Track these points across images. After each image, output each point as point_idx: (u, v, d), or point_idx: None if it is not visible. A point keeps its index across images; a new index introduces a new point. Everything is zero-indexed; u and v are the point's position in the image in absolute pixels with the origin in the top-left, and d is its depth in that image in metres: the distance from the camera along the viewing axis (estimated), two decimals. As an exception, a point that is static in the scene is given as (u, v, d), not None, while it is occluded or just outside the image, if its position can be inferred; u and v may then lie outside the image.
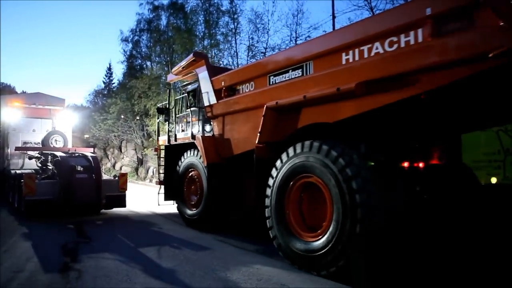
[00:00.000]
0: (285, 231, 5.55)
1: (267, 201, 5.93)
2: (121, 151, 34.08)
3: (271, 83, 6.47)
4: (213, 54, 23.90)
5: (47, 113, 14.42)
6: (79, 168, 9.40)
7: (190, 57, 8.66)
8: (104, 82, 47.36)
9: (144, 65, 30.44)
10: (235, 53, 22.68)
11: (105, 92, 43.42)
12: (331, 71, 5.26)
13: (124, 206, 10.28)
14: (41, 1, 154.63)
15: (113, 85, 44.24)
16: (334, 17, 17.13)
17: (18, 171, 10.40)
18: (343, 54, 5.09)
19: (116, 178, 10.36)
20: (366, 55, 4.81)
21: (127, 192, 10.26)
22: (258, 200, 6.18)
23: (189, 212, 8.56)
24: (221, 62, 23.41)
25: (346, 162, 4.75)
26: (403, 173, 5.44)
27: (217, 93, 7.87)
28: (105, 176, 11.08)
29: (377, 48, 4.70)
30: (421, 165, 5.65)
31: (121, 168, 31.06)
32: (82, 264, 5.37)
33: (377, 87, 4.60)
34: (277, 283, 4.68)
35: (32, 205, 8.82)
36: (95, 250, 6.23)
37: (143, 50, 30.06)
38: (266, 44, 20.84)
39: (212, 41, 23.99)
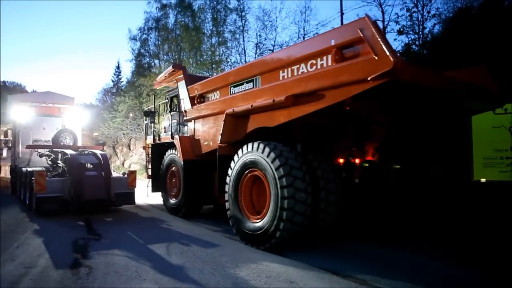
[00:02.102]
0: (239, 215, 6.74)
1: (226, 190, 7.04)
2: (130, 149, 34.32)
3: (231, 93, 7.65)
4: (221, 52, 23.91)
5: (57, 112, 14.59)
6: (88, 165, 9.49)
7: (170, 68, 10.17)
8: (113, 81, 47.86)
9: (152, 63, 30.62)
10: (243, 51, 22.68)
11: (114, 91, 43.81)
12: (271, 85, 6.42)
13: (133, 203, 10.36)
14: (51, 1, 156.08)
15: (122, 83, 44.66)
16: (342, 14, 17.07)
17: (29, 169, 10.49)
18: (280, 72, 6.23)
19: (125, 176, 10.43)
20: (295, 74, 5.96)
21: (136, 189, 10.36)
22: (221, 190, 7.30)
23: (171, 201, 9.90)
24: (229, 60, 23.42)
25: (280, 161, 5.93)
26: (338, 167, 6.90)
27: (192, 99, 9.13)
28: (114, 174, 11.14)
29: (303, 69, 5.82)
30: (357, 161, 7.20)
31: (130, 166, 31.27)
32: (92, 260, 5.42)
33: (301, 100, 5.79)
34: (286, 280, 4.67)
35: (43, 202, 8.92)
36: (105, 247, 6.28)
37: (151, 48, 30.26)
38: (274, 41, 20.82)
39: (220, 39, 24.01)
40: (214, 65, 23.05)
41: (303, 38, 19.21)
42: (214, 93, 8.41)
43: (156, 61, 30.19)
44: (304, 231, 6.10)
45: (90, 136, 26.07)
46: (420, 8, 14.53)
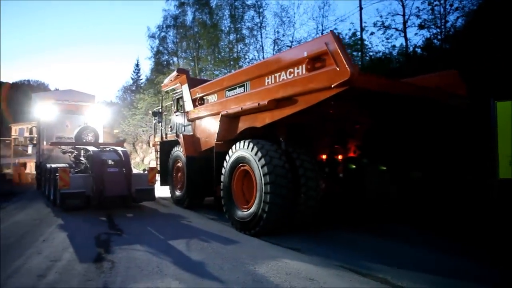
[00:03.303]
0: (232, 204, 7.56)
1: (222, 183, 7.84)
2: (149, 145, 34.69)
3: (226, 96, 8.45)
4: (239, 48, 23.89)
5: (79, 109, 14.91)
6: (110, 162, 9.65)
7: (175, 73, 11.13)
8: (132, 79, 48.58)
9: (171, 61, 30.89)
10: (261, 47, 22.62)
11: (133, 88, 44.42)
12: (258, 90, 7.19)
13: (154, 199, 10.51)
14: (71, 1, 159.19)
15: (141, 81, 45.27)
16: (361, 9, 16.78)
17: (53, 165, 10.75)
18: (266, 78, 7.00)
19: (146, 172, 10.58)
20: (277, 80, 6.71)
21: (156, 186, 10.50)
22: (218, 183, 8.11)
23: (176, 193, 10.81)
24: (246, 57, 23.37)
25: (262, 153, 6.73)
26: (321, 162, 7.71)
27: (193, 101, 10.01)
28: (134, 170, 11.32)
29: (283, 76, 6.57)
30: (340, 157, 7.97)
31: (149, 163, 31.68)
32: (114, 255, 5.54)
33: (282, 103, 6.59)
34: (306, 277, 4.66)
35: (67, 198, 9.14)
36: (126, 242, 6.40)
37: (170, 46, 30.56)
38: (292, 37, 20.63)
39: (238, 36, 23.99)
40: (232, 62, 23.06)
41: (321, 33, 18.99)
42: (212, 96, 9.25)
43: (175, 59, 30.48)
44: (286, 214, 6.84)
45: (110, 133, 26.55)
46: (442, 1, 14.15)
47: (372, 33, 16.54)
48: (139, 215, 9.24)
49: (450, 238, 7.06)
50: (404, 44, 15.43)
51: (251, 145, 7.04)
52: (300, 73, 6.13)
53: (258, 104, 6.97)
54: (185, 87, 10.53)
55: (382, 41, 16.23)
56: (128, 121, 31.54)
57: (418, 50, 14.74)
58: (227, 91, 8.45)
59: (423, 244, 6.64)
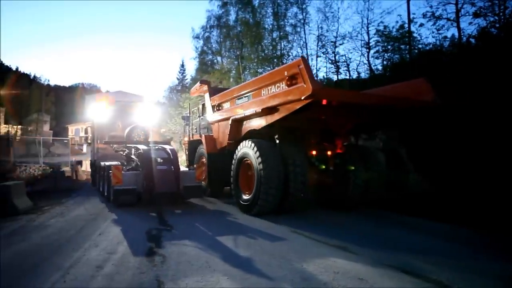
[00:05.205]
0: (238, 190, 9.34)
1: (232, 173, 9.59)
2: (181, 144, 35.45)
3: (236, 104, 10.04)
4: (282, 46, 23.76)
5: (129, 109, 15.52)
6: (159, 160, 9.95)
7: (198, 84, 13.40)
8: (178, 79, 49.89)
9: (215, 60, 31.37)
10: (305, 44, 22.34)
11: (179, 88, 45.61)
12: (256, 100, 8.83)
13: (201, 196, 10.75)
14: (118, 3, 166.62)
15: (186, 81, 46.43)
16: (409, 0, 16.06)
17: (106, 163, 11.28)
18: (262, 90, 8.59)
19: (193, 170, 10.84)
20: (269, 92, 8.29)
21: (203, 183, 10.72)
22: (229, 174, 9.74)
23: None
24: (290, 54, 23.18)
25: (261, 156, 8.32)
26: (311, 157, 9.16)
27: (213, 107, 11.76)
28: (182, 168, 11.62)
29: (273, 89, 8.15)
30: (329, 152, 9.28)
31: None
32: (165, 249, 5.73)
33: (271, 111, 8.21)
34: (355, 277, 4.56)
35: (120, 194, 9.57)
36: (176, 237, 6.59)
37: (214, 45, 31.00)
38: (336, 33, 20.08)
39: (281, 33, 23.86)
40: (275, 60, 22.98)
41: (367, 28, 18.40)
42: (226, 103, 10.85)
43: (219, 58, 30.92)
44: (278, 200, 8.34)
45: (158, 132, 27.46)
46: (500, -15, 13.14)
47: (421, 25, 15.70)
48: (187, 211, 9.49)
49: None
50: (456, 35, 14.57)
51: (252, 144, 8.69)
52: (282, 88, 7.70)
53: (255, 111, 8.66)
54: (207, 95, 12.36)
55: (432, 32, 15.38)
56: (174, 120, 32.44)
57: (473, 40, 13.85)
58: (236, 100, 10.02)
59: (474, 243, 6.28)
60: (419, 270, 4.84)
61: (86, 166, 22.33)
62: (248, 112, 9.03)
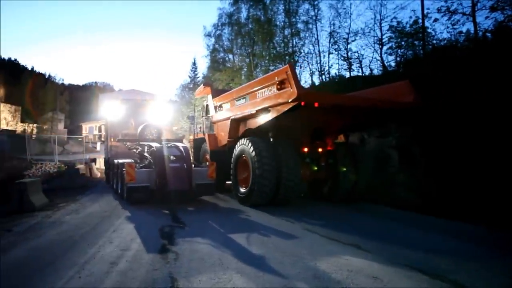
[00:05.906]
0: (236, 184, 10.31)
1: (231, 167, 10.51)
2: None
3: (235, 105, 10.89)
4: (294, 43, 23.60)
5: (142, 108, 15.66)
6: (172, 157, 10.01)
7: (202, 86, 14.61)
8: (189, 77, 49.83)
9: (227, 58, 31.25)
10: (317, 41, 22.13)
11: (191, 86, 45.68)
12: (252, 102, 9.66)
13: (213, 194, 10.79)
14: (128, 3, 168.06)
15: (198, 79, 46.38)
16: (423, -6, 15.75)
17: (120, 161, 11.38)
18: (257, 93, 9.37)
19: (205, 168, 10.87)
20: (263, 95, 9.07)
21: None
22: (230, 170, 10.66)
23: None
24: (302, 51, 23.01)
25: (256, 152, 9.16)
26: (303, 153, 10.14)
27: (215, 108, 12.79)
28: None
29: (266, 92, 8.94)
30: (320, 150, 10.32)
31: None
32: (178, 247, 5.76)
33: (264, 111, 9.03)
34: (369, 275, 4.51)
35: (133, 191, 9.67)
36: (189, 234, 6.62)
37: (225, 43, 30.85)
38: (349, 29, 19.84)
39: (293, 30, 23.69)
40: (287, 57, 22.82)
41: (380, 24, 18.14)
42: (227, 104, 11.76)
43: (230, 56, 30.85)
44: (271, 193, 9.17)
45: (170, 130, 27.63)
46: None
47: (435, 20, 15.41)
48: (200, 208, 9.53)
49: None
50: (472, 30, 14.25)
51: (248, 141, 9.55)
52: (274, 91, 8.43)
53: (249, 112, 9.57)
54: (210, 96, 13.40)
55: (447, 27, 15.08)
56: (187, 118, 32.55)
57: (489, 35, 13.53)
58: (236, 101, 10.84)
59: (489, 242, 6.15)
60: (434, 269, 4.76)
61: (100, 164, 22.64)
62: (245, 112, 9.91)
